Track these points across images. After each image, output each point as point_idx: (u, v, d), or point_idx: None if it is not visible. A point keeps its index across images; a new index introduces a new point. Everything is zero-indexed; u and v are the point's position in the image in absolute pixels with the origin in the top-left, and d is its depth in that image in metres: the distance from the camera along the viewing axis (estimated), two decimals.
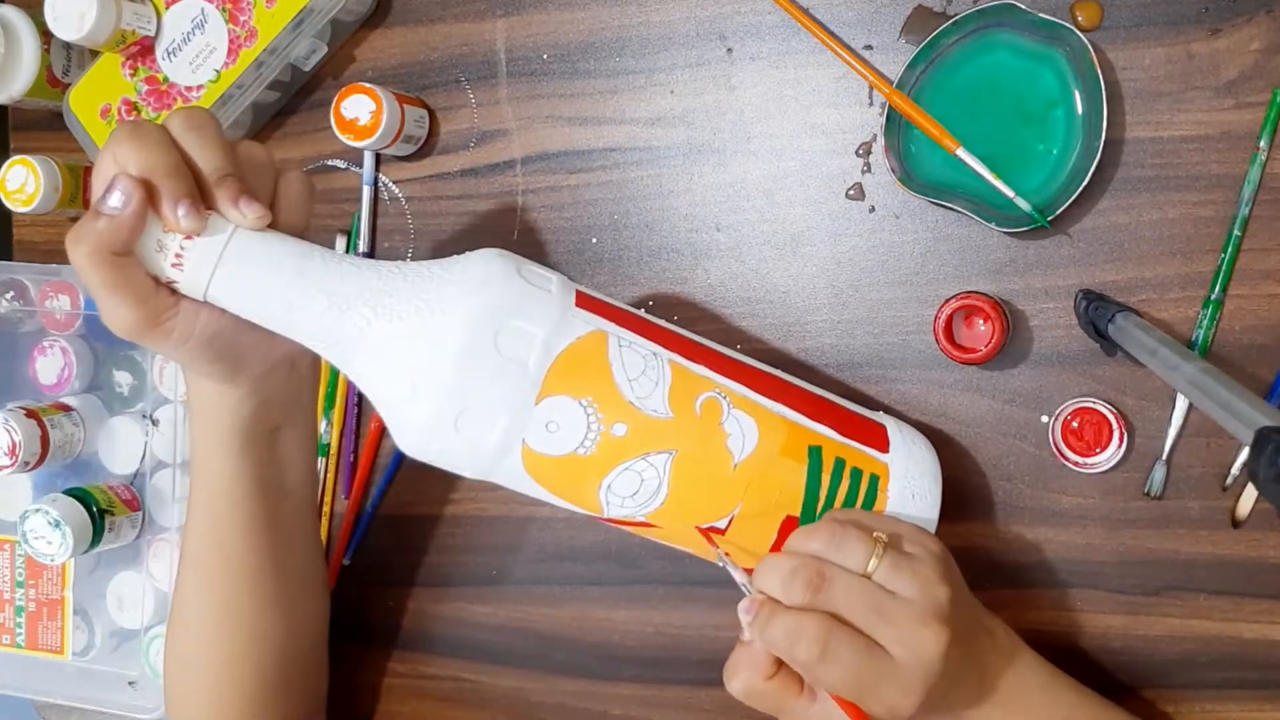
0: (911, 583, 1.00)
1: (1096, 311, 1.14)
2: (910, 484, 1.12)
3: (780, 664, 1.01)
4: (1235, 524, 1.17)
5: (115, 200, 0.92)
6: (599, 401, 1.00)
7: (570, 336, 1.00)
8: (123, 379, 1.44)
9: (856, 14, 1.25)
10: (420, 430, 0.98)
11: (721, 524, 1.06)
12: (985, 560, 1.24)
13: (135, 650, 1.41)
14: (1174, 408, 1.17)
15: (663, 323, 1.10)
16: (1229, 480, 1.17)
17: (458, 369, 0.95)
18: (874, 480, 1.10)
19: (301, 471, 1.17)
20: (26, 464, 1.38)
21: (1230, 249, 1.15)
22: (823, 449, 1.09)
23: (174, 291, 0.97)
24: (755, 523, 1.07)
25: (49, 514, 1.33)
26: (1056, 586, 1.22)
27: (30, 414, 1.38)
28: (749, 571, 1.04)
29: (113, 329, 0.96)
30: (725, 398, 1.06)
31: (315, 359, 1.11)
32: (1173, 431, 1.18)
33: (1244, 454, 1.15)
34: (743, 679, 1.02)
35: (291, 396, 1.12)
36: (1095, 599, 1.21)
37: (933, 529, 1.11)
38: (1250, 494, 1.16)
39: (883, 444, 1.13)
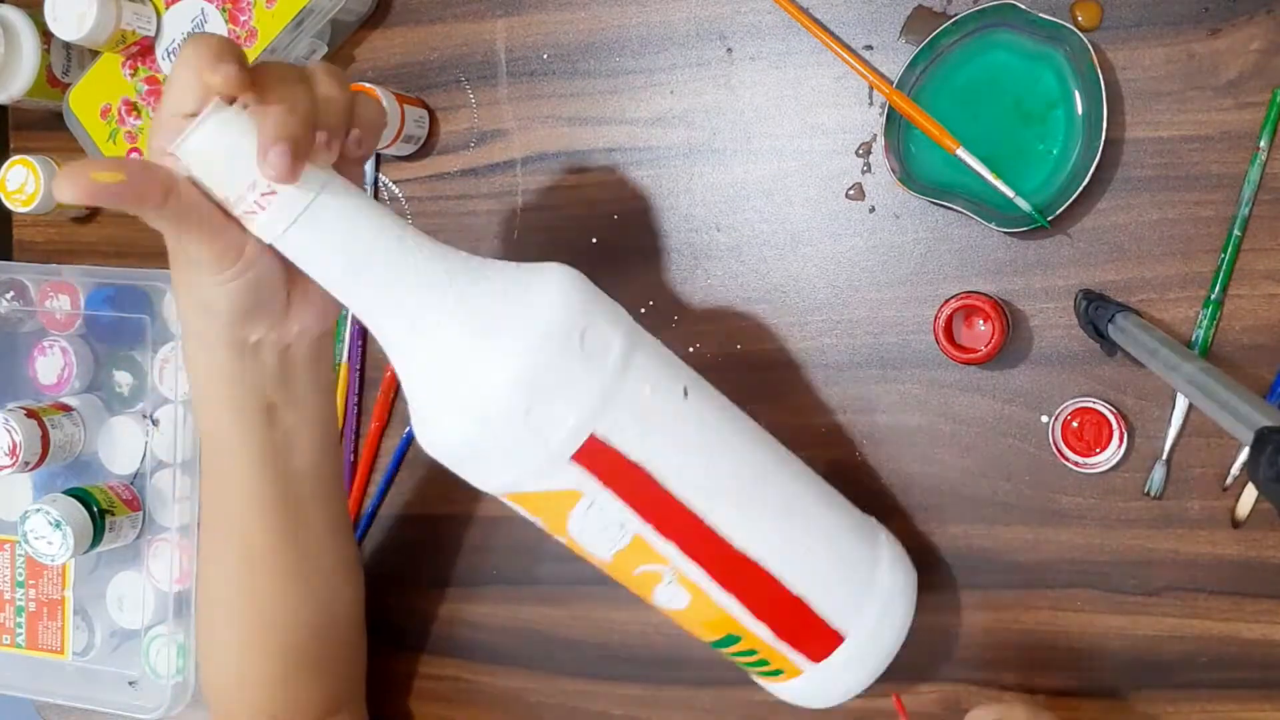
0: None
1: (1096, 311, 1.13)
2: (819, 690, 1.15)
3: None
4: (1235, 524, 1.17)
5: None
6: (547, 525, 1.05)
7: (544, 486, 1.00)
8: (123, 379, 1.44)
9: (856, 14, 1.25)
10: (485, 416, 0.94)
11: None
12: (985, 560, 1.24)
13: (135, 650, 1.41)
14: (1174, 408, 1.17)
15: (672, 482, 1.02)
16: (1229, 480, 1.17)
17: (543, 355, 0.94)
18: (778, 673, 1.14)
19: (308, 458, 1.14)
20: (27, 464, 1.38)
21: (1230, 249, 1.14)
22: (742, 639, 1.11)
23: (240, 231, 0.94)
24: (688, 624, 1.12)
25: (49, 514, 1.33)
26: (1056, 587, 1.22)
27: (30, 414, 1.38)
28: None
29: (189, 255, 0.94)
30: (673, 575, 1.06)
31: (312, 351, 1.08)
32: (1173, 431, 1.17)
33: (1244, 454, 1.15)
34: None
35: (283, 378, 1.07)
36: (1095, 599, 1.21)
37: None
38: (1250, 494, 1.16)
39: (821, 654, 1.12)
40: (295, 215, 0.91)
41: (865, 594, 1.11)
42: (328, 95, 0.94)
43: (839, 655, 1.11)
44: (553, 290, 0.97)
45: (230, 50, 0.89)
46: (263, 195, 0.90)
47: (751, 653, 1.11)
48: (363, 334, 1.43)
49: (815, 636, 1.11)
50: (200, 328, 1.02)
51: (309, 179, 0.91)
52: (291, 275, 0.99)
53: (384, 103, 1.31)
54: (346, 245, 0.93)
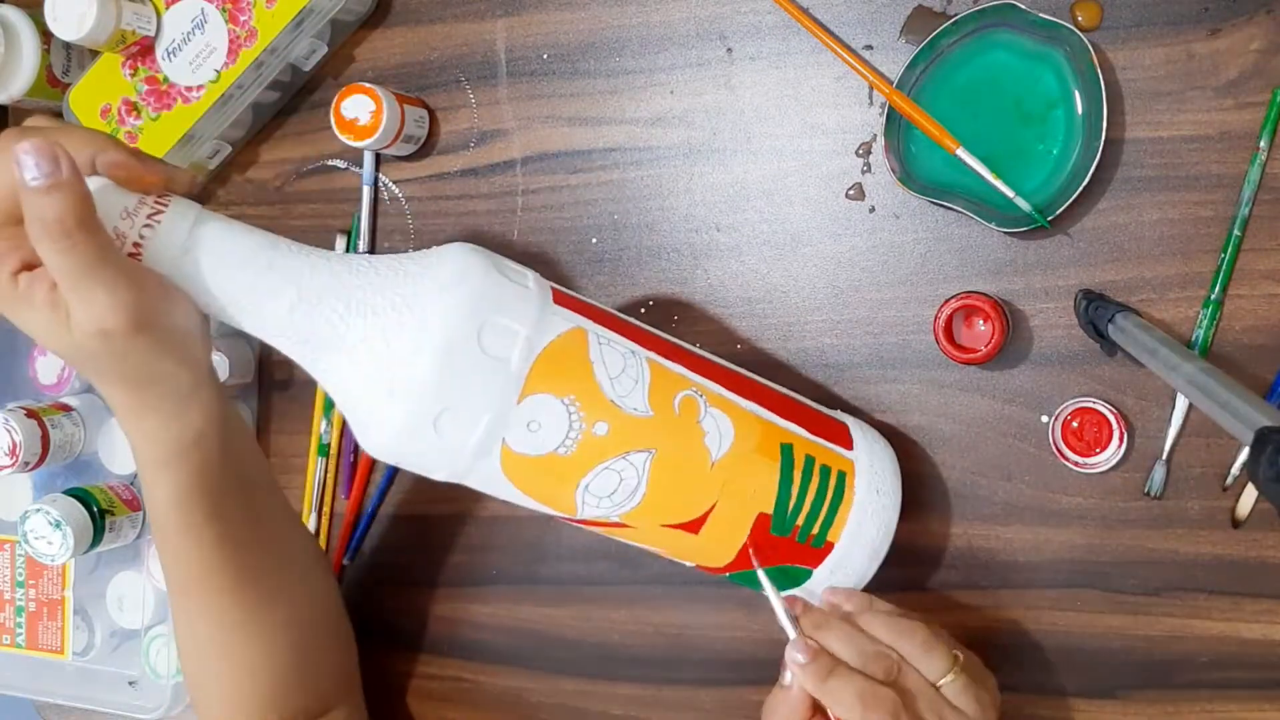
0: (973, 706, 1.05)
1: (1096, 311, 1.13)
2: (875, 479, 1.14)
3: (816, 713, 1.04)
4: (1235, 524, 1.17)
5: (31, 169, 0.83)
6: (581, 400, 0.99)
7: (551, 333, 0.99)
8: None
9: (856, 14, 1.24)
10: (398, 431, 0.96)
11: (695, 521, 1.07)
12: (985, 560, 1.24)
13: (135, 650, 1.41)
14: (1174, 408, 1.17)
15: (635, 321, 1.10)
16: (1229, 480, 1.17)
17: (440, 367, 0.94)
18: (841, 476, 1.12)
19: (255, 465, 1.13)
20: (27, 464, 1.37)
21: (1230, 249, 1.14)
22: (794, 446, 1.10)
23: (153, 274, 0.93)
24: (729, 519, 1.08)
25: (49, 514, 1.33)
26: (1056, 586, 1.22)
27: (31, 414, 1.38)
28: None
29: (112, 319, 0.88)
30: (701, 396, 1.06)
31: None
32: (1173, 432, 1.17)
33: (1244, 454, 1.15)
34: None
35: (225, 405, 1.06)
36: (1095, 599, 1.21)
37: (895, 523, 1.14)
38: (1250, 494, 1.15)
39: (847, 441, 1.15)
40: (179, 248, 0.92)
41: (835, 415, 1.20)
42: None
43: (856, 435, 1.17)
44: (447, 296, 0.96)
45: None
46: (135, 245, 0.91)
47: (810, 462, 1.10)
48: None
49: (831, 427, 1.16)
50: (138, 401, 1.00)
51: (184, 203, 0.94)
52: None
53: (383, 103, 1.31)
54: (225, 289, 0.94)
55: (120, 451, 1.43)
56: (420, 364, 0.93)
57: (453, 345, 0.94)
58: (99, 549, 1.37)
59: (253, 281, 0.93)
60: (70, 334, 0.90)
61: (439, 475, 1.01)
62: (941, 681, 1.04)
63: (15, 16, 1.44)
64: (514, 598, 1.40)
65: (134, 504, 1.40)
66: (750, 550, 1.08)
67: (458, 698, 1.42)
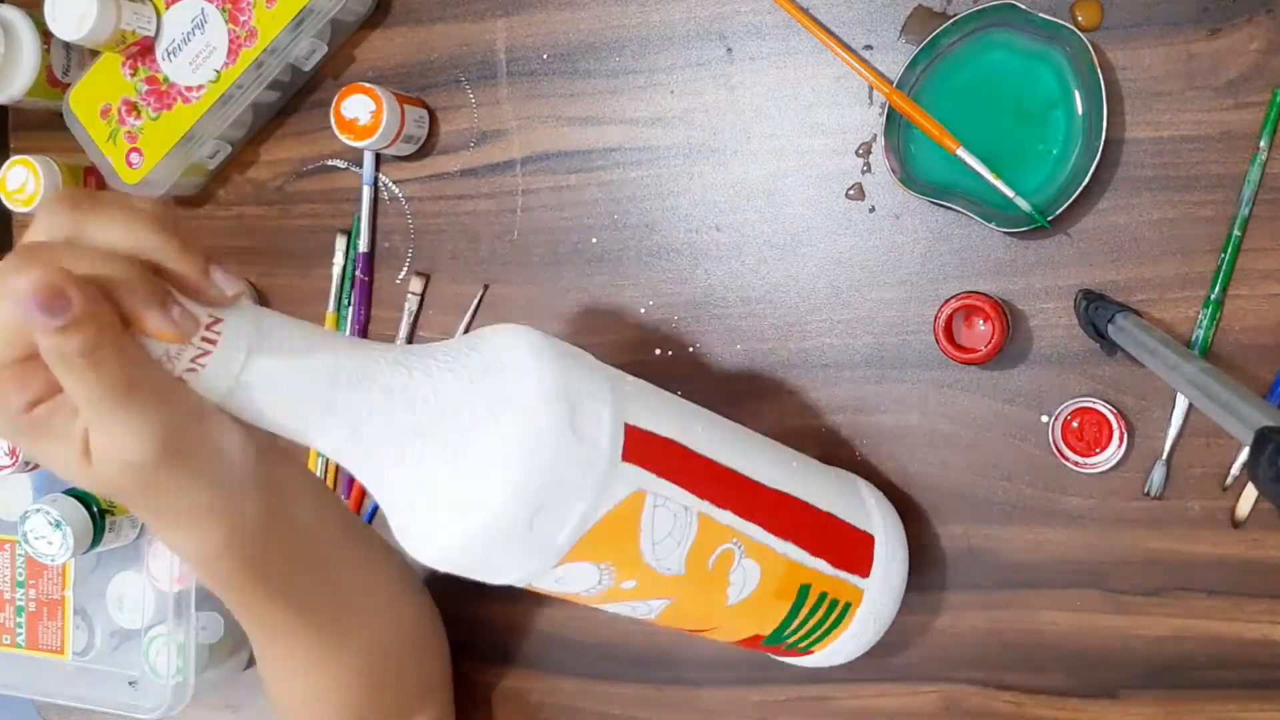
0: None
1: (1096, 311, 1.13)
2: (877, 608, 1.15)
3: None
4: (1235, 524, 1.16)
5: (36, 317, 0.70)
6: (617, 565, 0.95)
7: (609, 504, 0.92)
8: None
9: (856, 14, 1.24)
10: (486, 536, 0.87)
11: (697, 630, 1.11)
12: (985, 561, 1.23)
13: (135, 650, 1.41)
14: (1174, 408, 1.17)
15: (699, 448, 1.01)
16: (1229, 480, 1.16)
17: (487, 539, 0.87)
18: (846, 606, 1.13)
19: (320, 520, 1.07)
20: (27, 464, 1.38)
21: (1230, 249, 1.14)
22: (812, 586, 1.09)
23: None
24: (727, 634, 1.11)
25: (50, 514, 1.33)
26: (1056, 587, 1.22)
27: None
28: None
29: (131, 452, 0.79)
30: (740, 547, 1.03)
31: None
32: (1173, 432, 1.17)
33: (1244, 454, 1.15)
34: None
35: (274, 472, 0.96)
36: (1095, 599, 1.21)
37: (882, 631, 1.17)
38: (1250, 494, 1.15)
39: (865, 566, 1.14)
40: (233, 380, 0.81)
41: (860, 496, 1.18)
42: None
43: (879, 554, 1.15)
44: (530, 378, 0.89)
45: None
46: (194, 360, 0.79)
47: (821, 598, 1.10)
48: (362, 334, 1.43)
49: (856, 546, 1.14)
50: (181, 523, 0.90)
51: (236, 332, 0.81)
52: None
53: (383, 103, 1.31)
54: (293, 409, 0.84)
55: None
56: (516, 468, 0.86)
57: (510, 520, 0.87)
58: (99, 549, 1.37)
59: (305, 424, 0.85)
60: (93, 467, 0.80)
61: (508, 577, 0.95)
62: None
63: (15, 16, 1.44)
64: (514, 599, 1.37)
65: None
66: None
67: (460, 697, 1.41)
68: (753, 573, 1.05)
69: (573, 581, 0.95)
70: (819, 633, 1.13)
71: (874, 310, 1.26)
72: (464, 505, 0.87)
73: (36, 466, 1.39)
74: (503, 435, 0.86)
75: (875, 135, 1.25)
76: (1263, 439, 0.78)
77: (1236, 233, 1.14)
